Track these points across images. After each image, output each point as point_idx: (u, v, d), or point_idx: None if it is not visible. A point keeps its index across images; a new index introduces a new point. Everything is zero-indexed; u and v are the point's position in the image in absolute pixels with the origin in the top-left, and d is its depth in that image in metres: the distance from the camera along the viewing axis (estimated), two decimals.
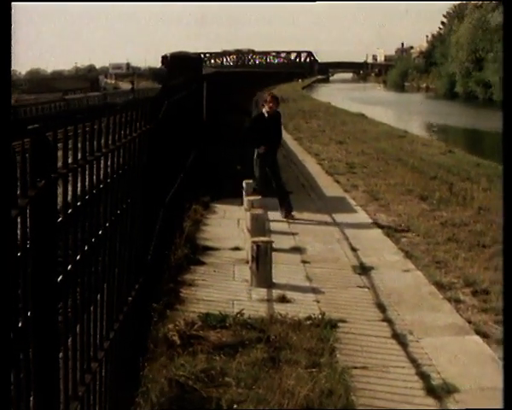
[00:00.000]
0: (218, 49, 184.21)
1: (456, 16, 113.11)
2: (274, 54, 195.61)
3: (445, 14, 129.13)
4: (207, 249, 10.31)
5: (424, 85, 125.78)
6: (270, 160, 13.16)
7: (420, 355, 6.82)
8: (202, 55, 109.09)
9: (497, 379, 6.34)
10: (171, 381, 5.76)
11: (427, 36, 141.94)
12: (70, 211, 3.70)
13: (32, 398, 3.19)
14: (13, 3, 2.95)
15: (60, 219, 3.56)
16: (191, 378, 5.87)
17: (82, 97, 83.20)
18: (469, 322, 7.80)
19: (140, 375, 5.80)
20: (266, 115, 13.17)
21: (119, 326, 4.91)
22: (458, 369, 6.53)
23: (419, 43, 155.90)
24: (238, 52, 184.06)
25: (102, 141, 4.42)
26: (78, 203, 3.84)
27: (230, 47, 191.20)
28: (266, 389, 5.78)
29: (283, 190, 13.25)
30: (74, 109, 69.10)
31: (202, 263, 9.63)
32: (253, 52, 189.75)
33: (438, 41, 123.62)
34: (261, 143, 12.95)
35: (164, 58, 15.50)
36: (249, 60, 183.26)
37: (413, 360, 6.69)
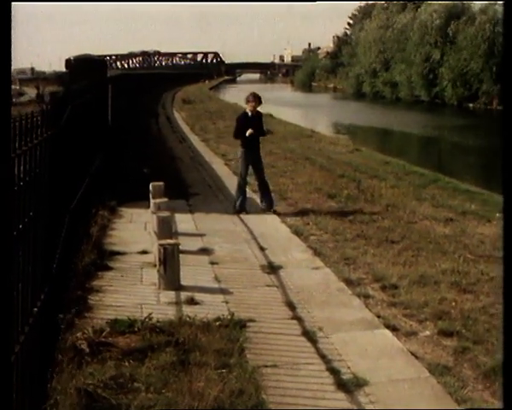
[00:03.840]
0: (125, 51, 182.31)
1: (362, 17, 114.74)
2: (180, 55, 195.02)
3: (350, 15, 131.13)
4: (115, 254, 10.18)
5: (331, 85, 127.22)
6: (254, 157, 13.64)
7: (330, 351, 6.88)
8: (108, 58, 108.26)
9: (406, 371, 6.47)
10: (79, 391, 5.65)
11: (333, 37, 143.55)
12: None
13: None
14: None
15: None
16: (100, 386, 5.79)
17: None
18: (378, 316, 7.91)
19: (48, 387, 5.67)
20: (250, 114, 13.63)
21: (24, 339, 4.78)
22: (368, 363, 6.62)
23: (326, 43, 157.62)
24: (144, 54, 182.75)
25: None
26: None
27: (137, 49, 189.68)
28: (176, 392, 5.75)
29: (266, 184, 13.77)
30: None
31: (110, 268, 9.50)
32: (160, 54, 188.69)
33: (344, 42, 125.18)
34: (245, 141, 13.52)
35: (68, 61, 15.22)
36: (155, 61, 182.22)
37: (323, 356, 6.75)
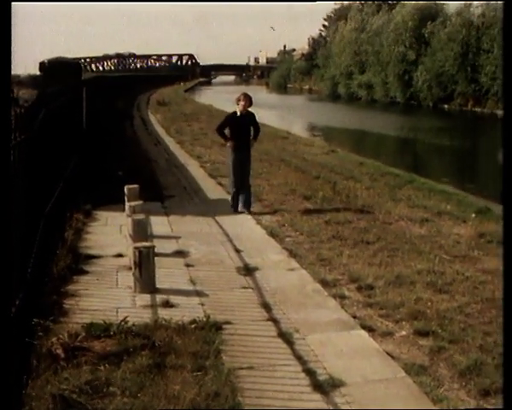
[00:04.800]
0: (99, 54, 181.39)
1: (336, 19, 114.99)
2: (155, 57, 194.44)
3: (325, 17, 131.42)
4: (90, 258, 10.13)
5: (307, 87, 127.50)
6: (244, 157, 13.82)
7: (306, 352, 6.89)
8: (83, 60, 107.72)
9: (382, 371, 6.49)
10: (55, 396, 5.61)
11: (308, 38, 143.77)
12: None
13: None
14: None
15: None
16: (75, 392, 5.75)
17: None
18: (354, 317, 7.94)
19: (23, 394, 5.63)
20: (239, 114, 13.82)
21: None
22: (344, 363, 6.63)
23: (301, 45, 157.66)
24: (119, 56, 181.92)
25: None
26: None
27: (111, 51, 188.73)
28: (152, 396, 5.73)
29: (248, 186, 13.92)
30: None
31: (85, 272, 9.45)
32: (135, 56, 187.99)
33: (319, 43, 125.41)
34: (233, 140, 13.76)
35: (41, 64, 15.13)
36: (130, 64, 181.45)
37: (299, 358, 6.76)
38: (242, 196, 13.82)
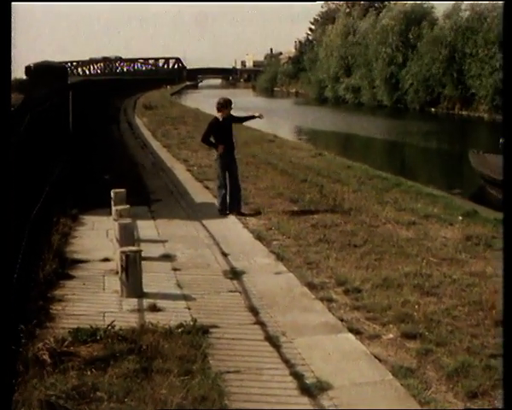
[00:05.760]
0: (86, 57, 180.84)
1: (323, 23, 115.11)
2: (142, 61, 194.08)
3: (312, 20, 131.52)
4: (77, 262, 10.10)
5: (294, 90, 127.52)
6: (230, 159, 14.02)
7: (293, 356, 6.88)
8: (69, 64, 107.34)
9: (369, 374, 6.49)
10: (41, 402, 5.59)
11: (295, 42, 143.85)
12: None
13: None
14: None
15: None
16: (62, 397, 5.73)
17: None
18: (342, 320, 7.93)
19: (11, 401, 5.59)
20: (221, 119, 13.98)
21: None
22: (332, 367, 6.63)
23: (288, 48, 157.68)
24: (105, 60, 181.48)
25: None
26: None
27: (98, 55, 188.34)
28: (138, 400, 5.71)
29: (238, 188, 14.10)
30: None
31: (72, 277, 9.42)
32: (121, 59, 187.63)
33: (306, 47, 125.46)
34: (220, 145, 13.93)
35: (27, 68, 15.07)
36: (117, 67, 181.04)
37: (286, 361, 6.75)
38: (231, 197, 13.90)
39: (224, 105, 13.99)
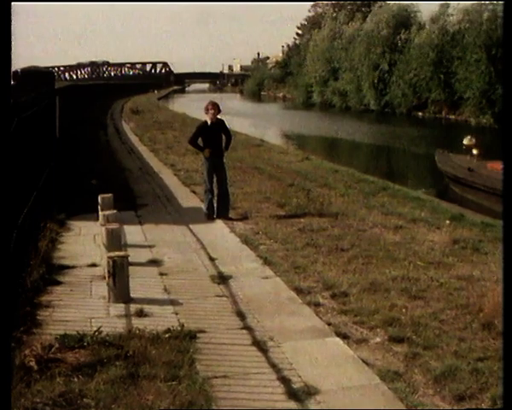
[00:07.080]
0: (73, 62, 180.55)
1: (310, 27, 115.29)
2: (129, 65, 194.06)
3: (299, 25, 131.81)
4: (64, 268, 10.07)
5: (281, 95, 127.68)
6: (217, 163, 14.07)
7: (280, 360, 6.87)
8: (56, 69, 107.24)
9: (357, 378, 6.49)
10: None
11: (282, 46, 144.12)
12: None
13: None
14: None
15: None
16: (49, 404, 5.71)
17: None
18: (329, 324, 7.93)
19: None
20: (209, 123, 14.02)
21: None
22: (319, 371, 6.62)
23: (275, 53, 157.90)
24: (93, 64, 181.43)
25: None
26: None
27: (85, 59, 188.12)
28: (125, 406, 5.69)
29: (226, 192, 14.19)
30: None
31: (59, 283, 9.39)
32: (108, 64, 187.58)
33: (293, 51, 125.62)
34: (207, 148, 14.02)
35: (14, 74, 15.02)
36: (104, 72, 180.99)
37: (274, 366, 6.74)
38: (219, 202, 13.95)
39: (212, 109, 13.98)
